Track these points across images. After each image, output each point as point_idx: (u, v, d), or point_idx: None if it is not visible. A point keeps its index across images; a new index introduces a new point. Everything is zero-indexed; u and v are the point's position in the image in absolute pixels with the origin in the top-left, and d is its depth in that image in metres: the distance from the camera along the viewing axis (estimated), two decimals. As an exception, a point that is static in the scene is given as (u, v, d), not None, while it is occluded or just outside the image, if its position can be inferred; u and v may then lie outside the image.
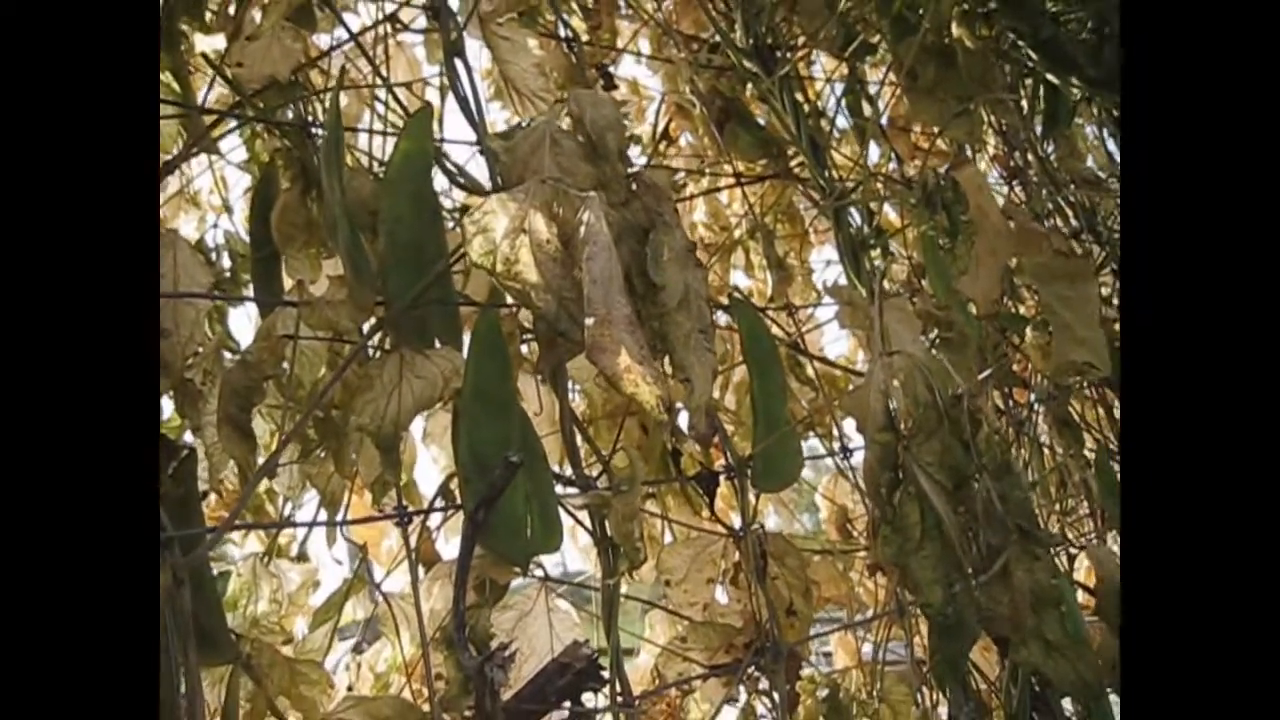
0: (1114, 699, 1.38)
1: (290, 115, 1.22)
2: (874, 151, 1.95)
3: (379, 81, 1.22)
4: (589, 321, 0.72)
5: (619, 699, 1.04)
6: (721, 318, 1.60)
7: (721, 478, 1.24)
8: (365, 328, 1.02)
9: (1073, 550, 1.51)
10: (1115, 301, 2.09)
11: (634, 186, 0.95)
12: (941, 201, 1.23)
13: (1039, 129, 1.86)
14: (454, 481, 1.06)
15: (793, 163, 1.69)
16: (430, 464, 1.48)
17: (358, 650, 1.40)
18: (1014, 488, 0.96)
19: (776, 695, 1.18)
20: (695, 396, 0.85)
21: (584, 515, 1.09)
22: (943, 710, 1.44)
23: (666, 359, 0.90)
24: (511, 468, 0.84)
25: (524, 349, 1.32)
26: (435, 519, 1.26)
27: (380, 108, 1.31)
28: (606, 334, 0.71)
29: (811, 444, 1.72)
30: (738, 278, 1.91)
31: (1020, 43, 1.45)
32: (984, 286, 1.24)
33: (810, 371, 1.73)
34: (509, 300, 1.09)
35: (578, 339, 0.74)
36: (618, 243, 0.83)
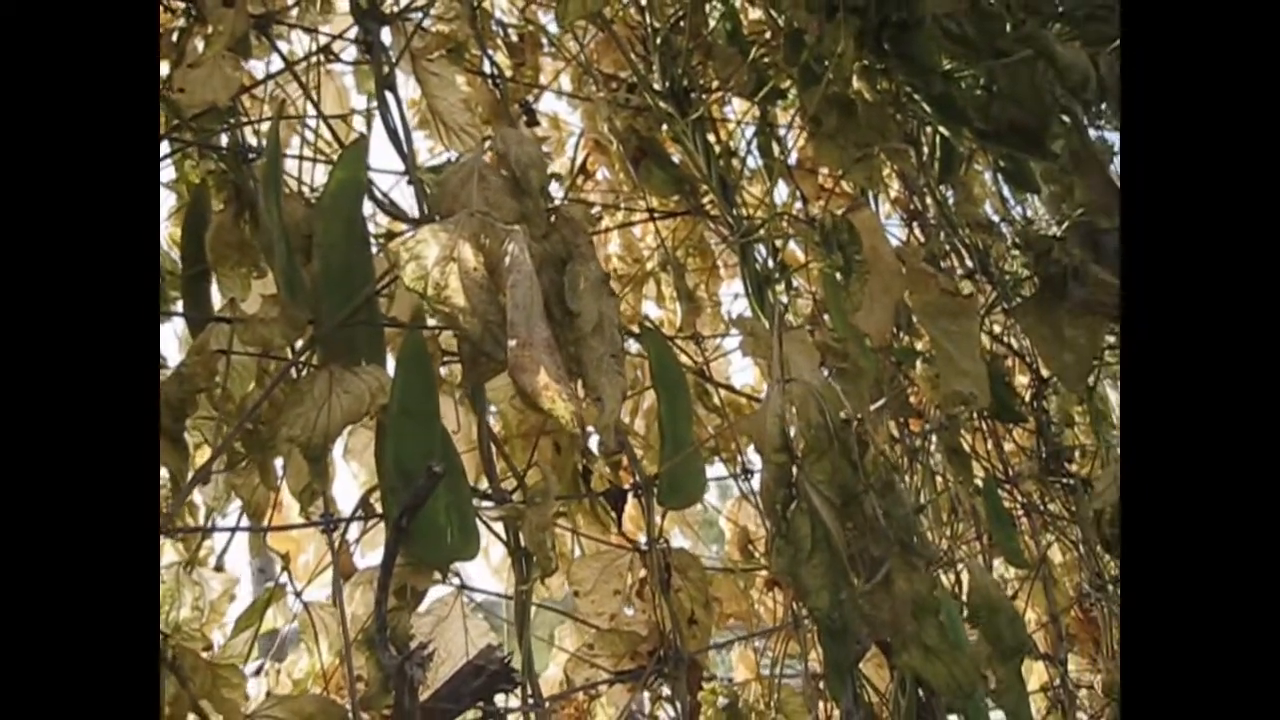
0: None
1: (225, 140, 1.28)
2: (782, 191, 2.06)
3: (311, 110, 1.28)
4: (511, 344, 0.79)
5: (529, 700, 1.10)
6: (633, 346, 1.68)
7: (629, 495, 1.31)
8: (297, 345, 1.08)
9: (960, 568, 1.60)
10: (1003, 337, 2.22)
11: (553, 220, 1.03)
12: (838, 242, 1.32)
13: (935, 175, 1.97)
14: (374, 496, 1.12)
15: (704, 200, 1.78)
16: (350, 480, 1.53)
17: (277, 658, 1.45)
18: (897, 505, 1.05)
19: (679, 702, 1.25)
20: (605, 415, 0.92)
21: (500, 528, 1.16)
22: (835, 721, 1.53)
23: (580, 381, 0.97)
24: (434, 477, 0.91)
25: (443, 371, 1.38)
26: (353, 533, 1.31)
27: (310, 135, 1.38)
28: (527, 355, 0.78)
29: (717, 469, 1.80)
30: (649, 308, 1.99)
31: (915, 96, 1.56)
32: (877, 321, 1.33)
33: (716, 400, 1.81)
34: (432, 323, 1.16)
35: (501, 359, 0.81)
36: (538, 272, 0.90)
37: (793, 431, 1.08)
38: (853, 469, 1.04)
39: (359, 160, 1.07)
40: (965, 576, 1.45)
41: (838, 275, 1.32)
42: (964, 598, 1.49)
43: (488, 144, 1.03)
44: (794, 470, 1.04)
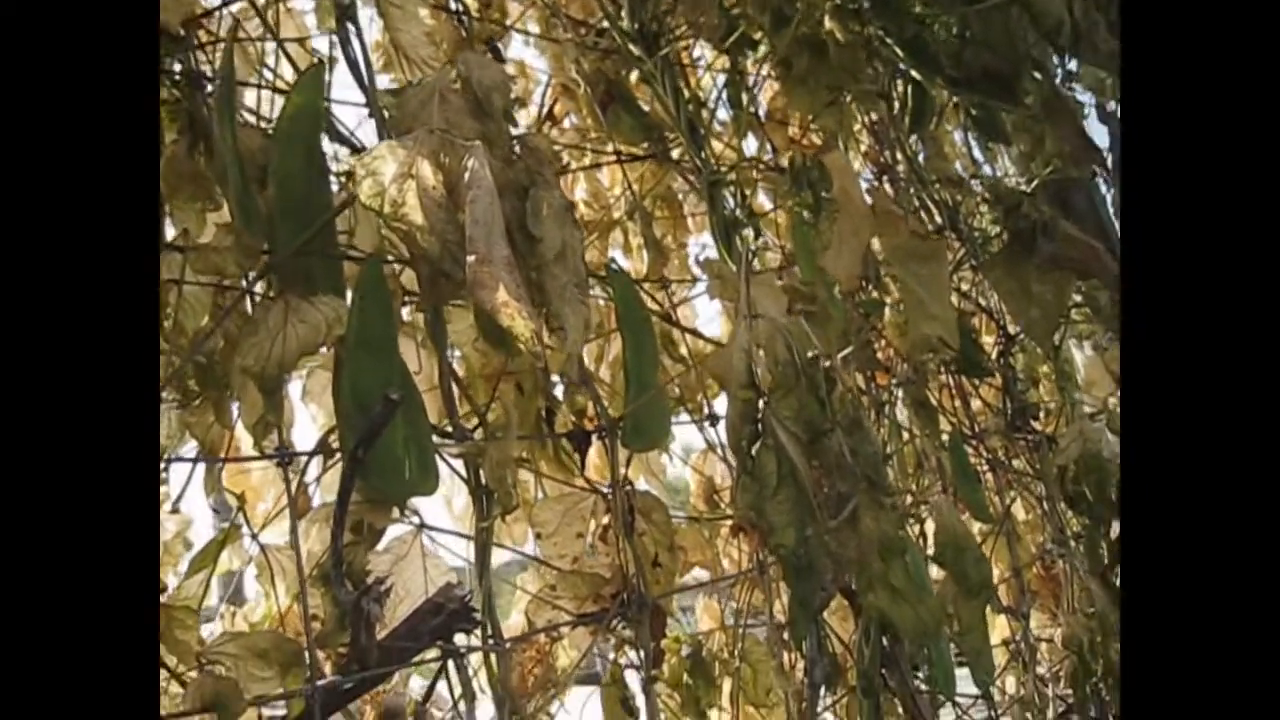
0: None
1: (179, 68, 1.24)
2: (751, 145, 2.03)
3: (268, 37, 1.24)
4: (470, 259, 0.76)
5: (490, 641, 1.08)
6: (601, 301, 1.66)
7: (593, 438, 1.29)
8: (251, 276, 1.05)
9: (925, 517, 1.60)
10: (970, 294, 2.21)
11: (517, 149, 1.00)
12: (807, 180, 1.30)
13: (906, 128, 1.96)
14: (333, 436, 1.09)
15: (672, 148, 1.76)
16: (309, 423, 1.50)
17: (236, 602, 1.42)
18: (864, 443, 1.03)
19: (642, 648, 1.24)
20: (569, 344, 0.90)
21: (461, 467, 1.14)
22: (800, 670, 1.52)
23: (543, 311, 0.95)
24: (391, 405, 0.88)
25: (404, 313, 1.35)
26: (312, 473, 1.29)
27: (269, 71, 1.34)
28: (486, 271, 0.76)
29: (688, 432, 1.78)
30: (616, 257, 1.96)
31: (888, 40, 1.54)
32: (846, 264, 1.31)
33: (683, 350, 1.79)
34: (392, 257, 1.13)
35: (459, 279, 0.79)
36: (500, 198, 0.87)
37: (760, 370, 1.06)
38: (820, 406, 1.02)
39: (317, 86, 1.04)
40: (930, 525, 1.44)
41: (806, 214, 1.30)
42: (929, 545, 1.49)
43: (450, 69, 1.00)
44: (760, 407, 1.02)
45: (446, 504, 1.69)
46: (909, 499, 1.59)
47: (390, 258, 1.16)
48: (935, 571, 1.56)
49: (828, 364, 1.04)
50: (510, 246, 0.85)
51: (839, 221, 1.28)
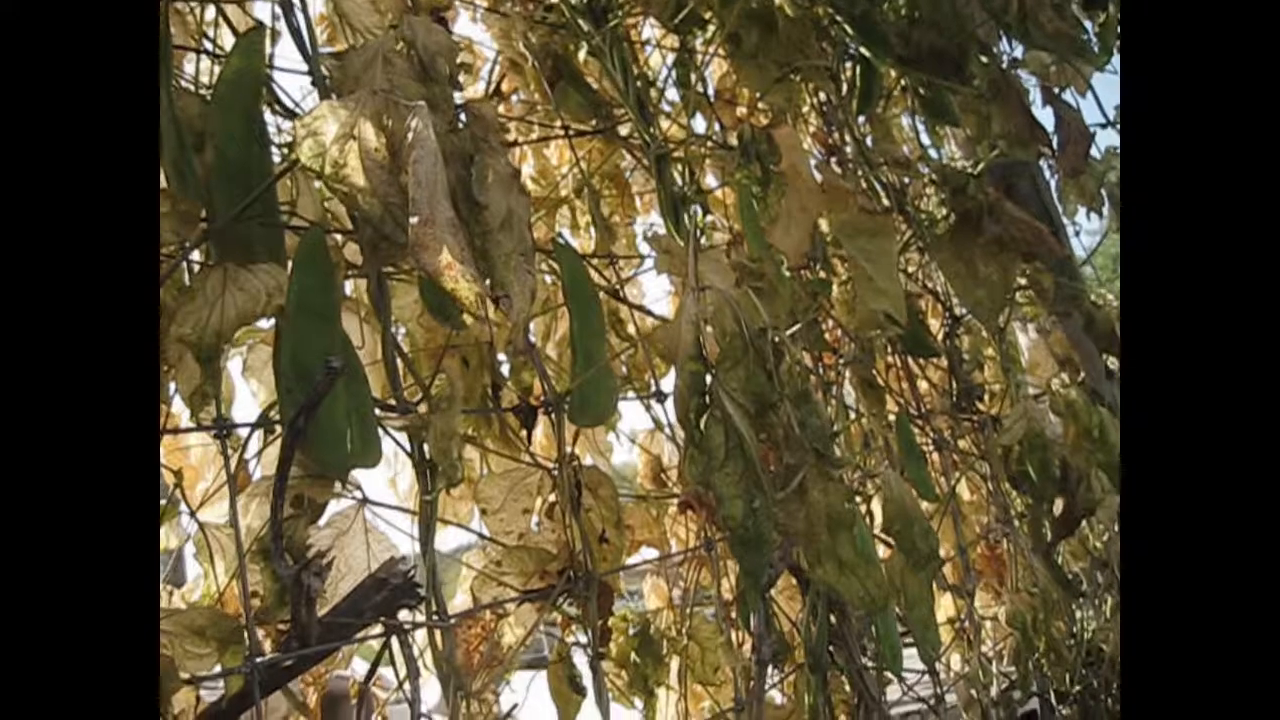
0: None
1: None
2: (701, 124, 2.02)
3: (208, 2, 1.21)
4: (413, 221, 0.75)
5: (434, 617, 1.06)
6: (548, 279, 1.64)
7: (539, 413, 1.28)
8: (188, 244, 1.03)
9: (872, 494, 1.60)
10: (917, 276, 2.22)
11: (463, 116, 0.99)
12: (756, 153, 1.29)
13: (855, 109, 1.96)
14: (274, 410, 1.07)
15: (621, 127, 1.74)
16: (249, 400, 1.48)
17: (176, 582, 1.39)
18: (812, 415, 1.03)
19: (589, 625, 1.23)
20: (514, 313, 0.88)
21: (405, 442, 1.12)
22: (748, 649, 1.52)
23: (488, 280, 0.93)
24: (333, 373, 0.87)
25: (348, 287, 1.33)
26: (252, 449, 1.26)
27: (209, 38, 1.31)
28: (429, 233, 0.74)
29: (637, 412, 1.77)
30: (564, 234, 1.94)
31: (838, 18, 1.54)
32: (794, 240, 1.31)
33: (631, 329, 1.78)
34: (334, 227, 1.11)
35: (401, 241, 0.77)
36: (445, 165, 0.86)
37: (707, 343, 1.05)
38: (767, 378, 1.02)
39: (257, 49, 1.01)
40: (877, 502, 1.44)
41: (755, 188, 1.29)
42: (876, 522, 1.49)
43: (395, 33, 0.98)
44: (708, 379, 1.02)
45: (391, 485, 1.67)
46: (856, 474, 1.59)
47: (332, 229, 1.14)
48: (882, 551, 1.57)
49: (775, 337, 1.03)
50: (455, 213, 0.83)
51: (787, 197, 1.27)
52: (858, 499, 1.50)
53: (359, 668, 1.58)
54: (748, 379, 1.00)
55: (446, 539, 1.42)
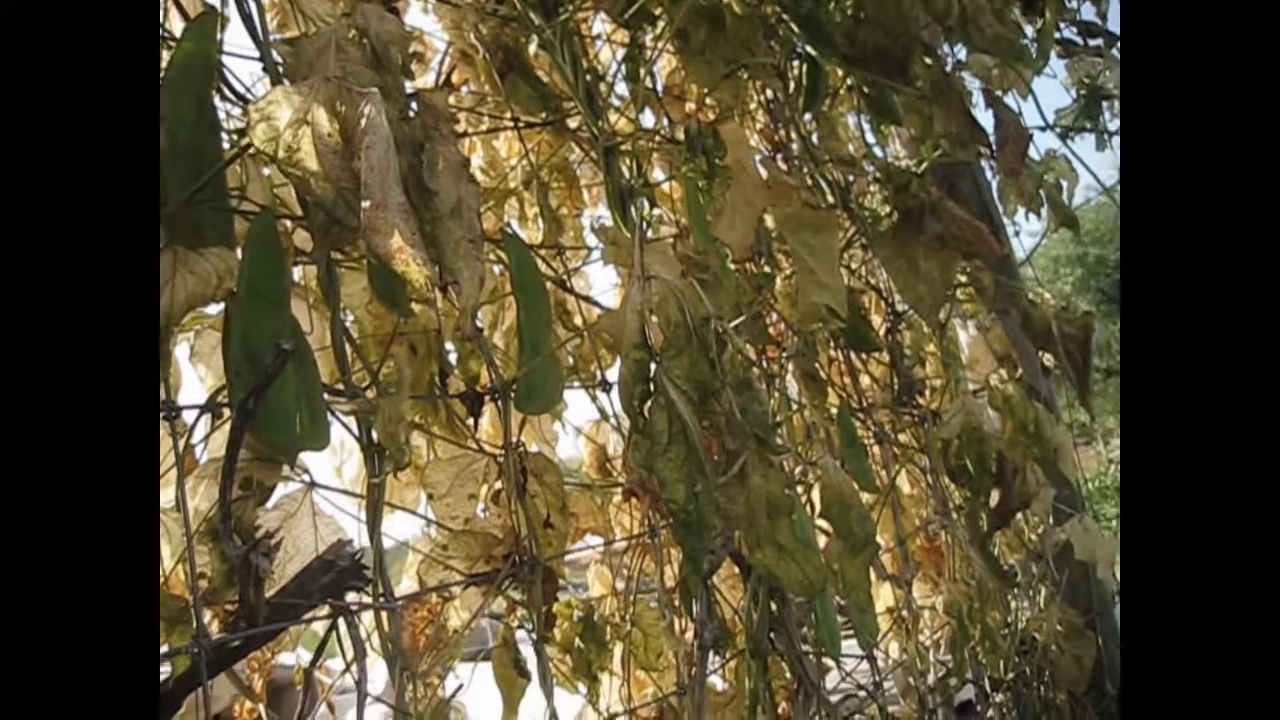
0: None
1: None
2: (650, 120, 2.04)
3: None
4: (365, 205, 0.76)
5: (381, 599, 1.08)
6: (496, 269, 1.65)
7: (486, 399, 1.30)
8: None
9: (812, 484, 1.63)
10: (860, 273, 2.26)
11: (414, 105, 1.00)
12: (702, 147, 1.32)
13: (801, 107, 1.99)
14: (223, 394, 1.08)
15: (570, 120, 1.76)
16: (197, 385, 1.47)
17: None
18: (753, 402, 1.06)
19: (534, 610, 1.25)
20: (463, 299, 0.90)
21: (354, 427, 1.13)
22: (690, 635, 1.54)
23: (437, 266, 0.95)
24: (283, 354, 0.88)
25: (296, 273, 1.34)
26: (199, 435, 1.27)
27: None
28: (381, 217, 0.76)
29: (584, 404, 1.79)
30: (512, 225, 1.96)
31: (784, 16, 1.56)
32: (739, 233, 1.34)
33: (578, 320, 1.80)
34: (284, 214, 1.12)
35: (353, 225, 0.79)
36: (396, 152, 0.87)
37: (652, 331, 1.08)
38: (710, 366, 1.04)
39: (208, 33, 1.02)
40: (817, 492, 1.47)
41: (700, 182, 1.32)
42: (816, 512, 1.52)
43: (348, 21, 1.00)
44: (652, 367, 1.04)
45: (337, 473, 1.67)
46: (797, 464, 1.62)
47: (282, 214, 1.15)
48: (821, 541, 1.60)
49: (719, 327, 1.06)
50: (406, 199, 0.85)
51: (732, 191, 1.30)
52: (798, 488, 1.53)
53: (303, 657, 1.59)
54: (691, 366, 1.03)
55: (395, 528, 1.43)
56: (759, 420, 1.04)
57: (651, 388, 1.03)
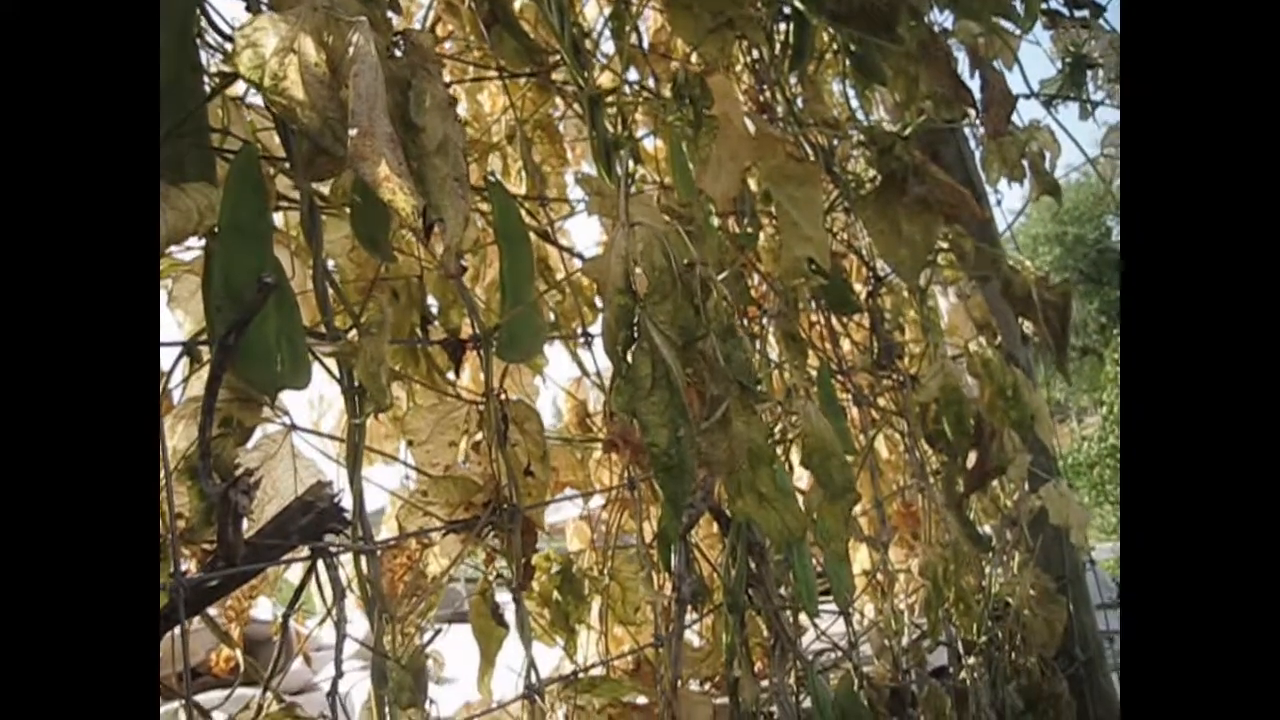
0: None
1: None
2: (635, 77, 2.03)
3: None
4: (352, 133, 0.75)
5: (360, 542, 1.08)
6: (480, 223, 1.64)
7: (467, 348, 1.29)
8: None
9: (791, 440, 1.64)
10: (837, 232, 2.26)
11: (401, 44, 0.99)
12: (689, 97, 1.31)
13: (787, 66, 1.98)
14: (202, 335, 1.07)
15: (556, 76, 1.75)
16: (175, 330, 1.46)
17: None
18: (737, 349, 1.06)
19: (512, 559, 1.25)
20: (448, 235, 0.89)
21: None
22: (668, 589, 1.55)
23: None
24: (266, 288, 0.87)
25: (278, 220, 1.33)
26: (176, 378, 1.26)
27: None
28: (368, 145, 0.75)
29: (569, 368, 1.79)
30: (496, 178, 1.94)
31: (772, -30, 1.56)
32: (723, 186, 1.33)
33: (560, 276, 1.79)
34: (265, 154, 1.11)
35: (340, 155, 0.78)
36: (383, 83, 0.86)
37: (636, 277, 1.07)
38: (695, 312, 1.04)
39: (191, -32, 1.01)
40: (797, 442, 1.48)
41: (687, 131, 1.31)
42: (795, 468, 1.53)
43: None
44: (636, 311, 1.03)
45: (316, 427, 1.67)
46: (776, 418, 1.62)
47: (264, 156, 1.14)
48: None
49: (704, 275, 1.06)
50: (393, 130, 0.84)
51: (717, 143, 1.29)
52: (778, 440, 1.54)
53: (280, 613, 1.59)
54: (675, 312, 1.02)
55: (377, 481, 1.42)
56: (742, 367, 1.04)
57: (635, 333, 1.03)
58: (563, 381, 1.96)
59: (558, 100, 1.81)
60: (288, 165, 1.06)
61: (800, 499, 1.38)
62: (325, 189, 1.28)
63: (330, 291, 1.13)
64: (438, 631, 1.14)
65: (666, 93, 1.79)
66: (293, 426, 1.12)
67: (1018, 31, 2.20)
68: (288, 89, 0.78)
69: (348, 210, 1.21)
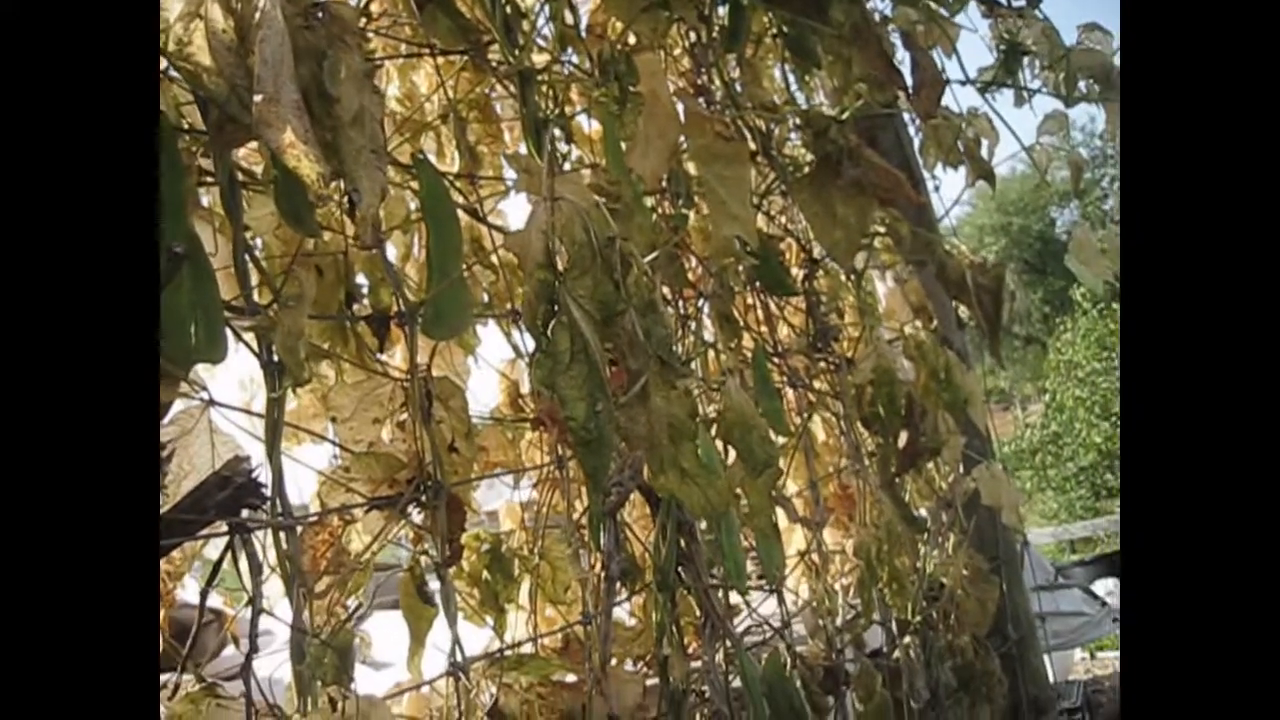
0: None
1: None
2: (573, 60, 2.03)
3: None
4: (257, 99, 0.75)
5: (279, 518, 1.07)
6: (413, 204, 1.63)
7: (393, 324, 1.28)
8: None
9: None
10: (772, 215, 2.27)
11: (319, 15, 0.98)
12: (615, 73, 1.31)
13: (723, 48, 1.98)
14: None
15: (492, 58, 1.74)
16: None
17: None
18: (657, 324, 1.06)
19: (438, 537, 1.24)
20: (362, 206, 0.89)
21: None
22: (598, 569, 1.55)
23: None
24: (177, 259, 0.86)
25: (205, 200, 1.31)
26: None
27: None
28: (273, 111, 0.74)
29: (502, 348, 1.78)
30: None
31: (704, -48, 1.56)
32: (652, 164, 1.33)
33: (495, 259, 1.78)
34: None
35: (246, 121, 0.77)
36: (297, 64, 0.85)
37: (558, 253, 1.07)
38: (615, 287, 1.04)
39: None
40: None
41: (613, 106, 1.31)
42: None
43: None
44: (556, 286, 1.03)
45: (246, 406, 1.65)
46: (702, 392, 1.63)
47: (186, 129, 1.12)
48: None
49: (625, 250, 1.06)
50: (302, 99, 0.84)
51: (645, 121, 1.29)
52: (705, 419, 1.54)
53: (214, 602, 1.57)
54: (595, 287, 1.02)
55: (305, 460, 1.41)
56: (662, 342, 1.05)
57: (555, 308, 1.03)
58: (498, 364, 1.96)
59: (494, 82, 1.81)
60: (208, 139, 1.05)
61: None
62: (258, 168, 1.27)
63: (252, 267, 1.12)
64: (359, 607, 1.13)
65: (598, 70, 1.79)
66: (211, 402, 1.11)
67: (955, 19, 2.23)
68: (193, 55, 0.77)
69: (272, 185, 1.20)
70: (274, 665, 1.16)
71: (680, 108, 1.37)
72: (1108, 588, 6.41)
